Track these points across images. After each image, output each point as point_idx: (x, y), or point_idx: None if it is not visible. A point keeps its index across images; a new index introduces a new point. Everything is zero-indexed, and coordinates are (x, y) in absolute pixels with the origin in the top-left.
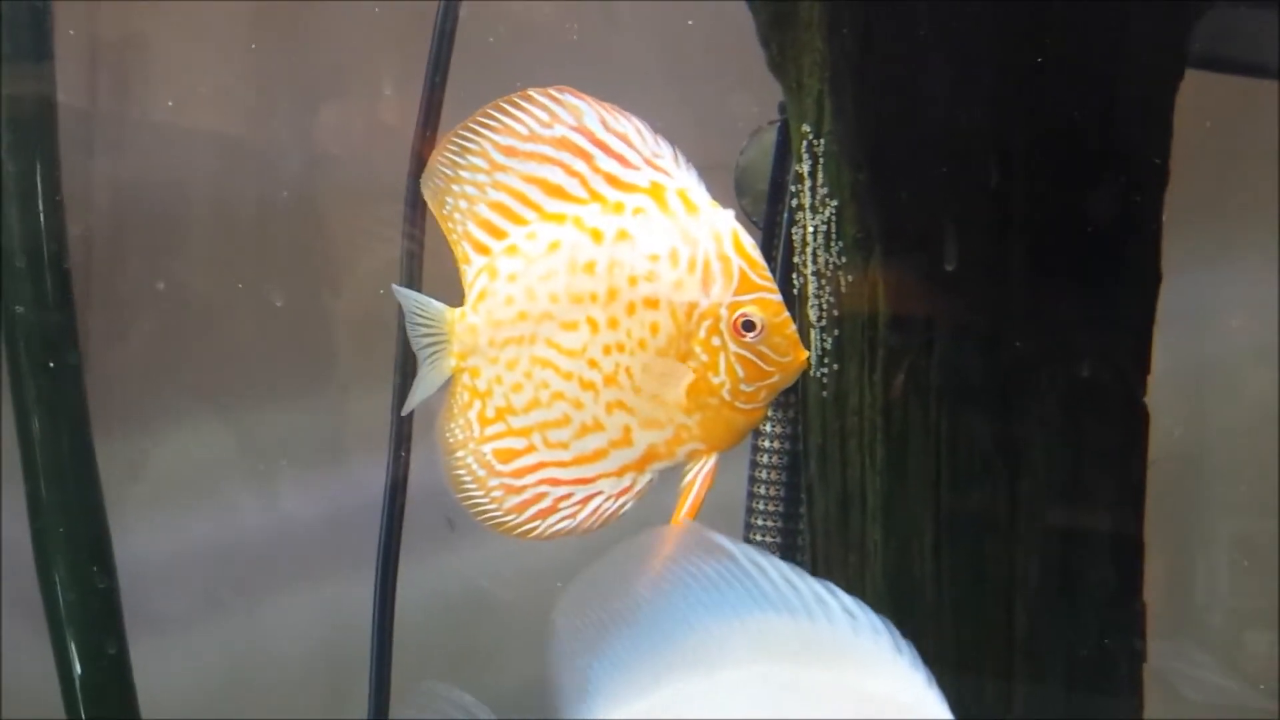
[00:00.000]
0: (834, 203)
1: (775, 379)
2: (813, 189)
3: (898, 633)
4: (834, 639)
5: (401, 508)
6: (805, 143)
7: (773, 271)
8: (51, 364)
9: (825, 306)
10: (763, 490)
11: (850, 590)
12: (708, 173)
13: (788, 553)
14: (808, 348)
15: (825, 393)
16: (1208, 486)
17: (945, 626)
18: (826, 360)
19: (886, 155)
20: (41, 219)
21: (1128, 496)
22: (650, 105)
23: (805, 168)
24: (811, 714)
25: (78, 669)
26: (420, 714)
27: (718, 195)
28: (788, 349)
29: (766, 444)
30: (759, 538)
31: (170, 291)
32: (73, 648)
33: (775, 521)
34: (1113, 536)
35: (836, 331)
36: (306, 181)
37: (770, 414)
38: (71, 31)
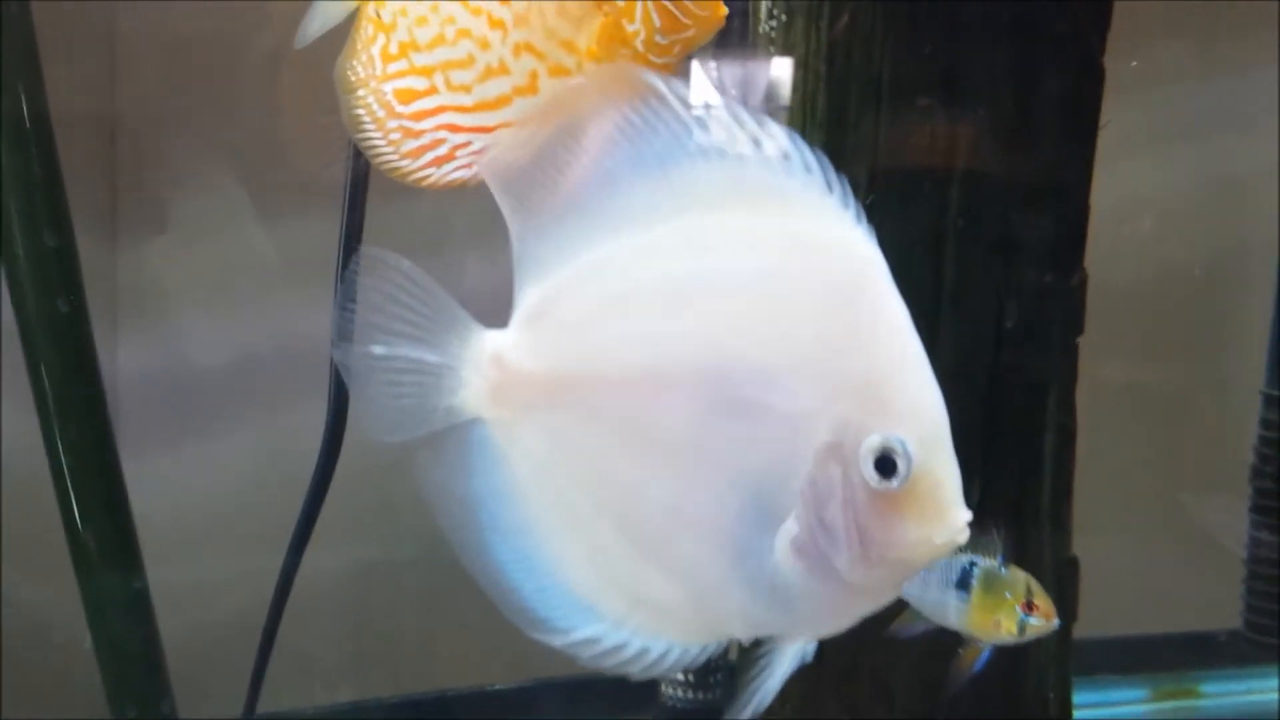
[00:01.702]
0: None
1: (691, 32)
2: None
3: (831, 169)
4: (764, 181)
5: None
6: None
7: None
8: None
9: None
10: None
11: None
12: None
13: None
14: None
15: (773, 47)
16: None
17: None
18: (776, 12)
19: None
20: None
21: (1073, 146)
22: None
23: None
24: (736, 261)
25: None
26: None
27: None
28: (707, 4)
29: None
30: None
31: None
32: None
33: None
34: (1055, 178)
35: None
36: None
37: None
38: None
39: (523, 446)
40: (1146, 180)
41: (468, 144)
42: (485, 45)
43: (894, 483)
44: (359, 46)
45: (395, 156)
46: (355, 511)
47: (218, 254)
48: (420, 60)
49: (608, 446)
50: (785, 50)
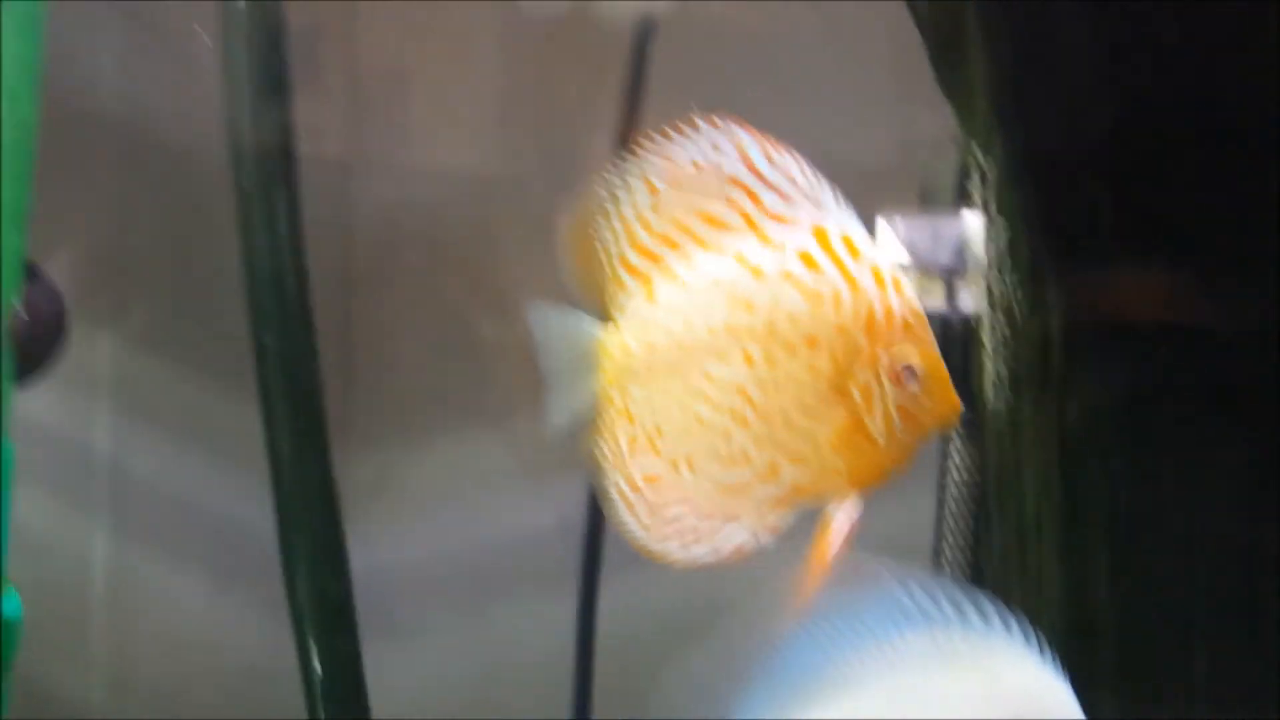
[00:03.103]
0: (1007, 228)
1: (929, 427)
2: (986, 213)
3: (1028, 627)
4: (965, 642)
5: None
6: (977, 165)
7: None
8: (295, 387)
9: (1002, 334)
10: (951, 520)
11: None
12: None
13: (976, 579)
14: (985, 375)
15: (1002, 423)
16: None
17: (1124, 663)
18: (1004, 389)
19: (1052, 177)
20: (285, 249)
21: None
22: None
23: (978, 192)
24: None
25: (316, 668)
26: None
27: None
28: (943, 398)
29: (955, 469)
30: (947, 564)
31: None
32: (312, 646)
33: (964, 549)
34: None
35: (1010, 359)
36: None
37: (959, 437)
38: (330, 60)
39: None
40: None
41: (712, 525)
42: (729, 437)
43: None
44: (604, 430)
45: (645, 537)
46: None
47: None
48: (665, 448)
49: None
50: (1013, 429)
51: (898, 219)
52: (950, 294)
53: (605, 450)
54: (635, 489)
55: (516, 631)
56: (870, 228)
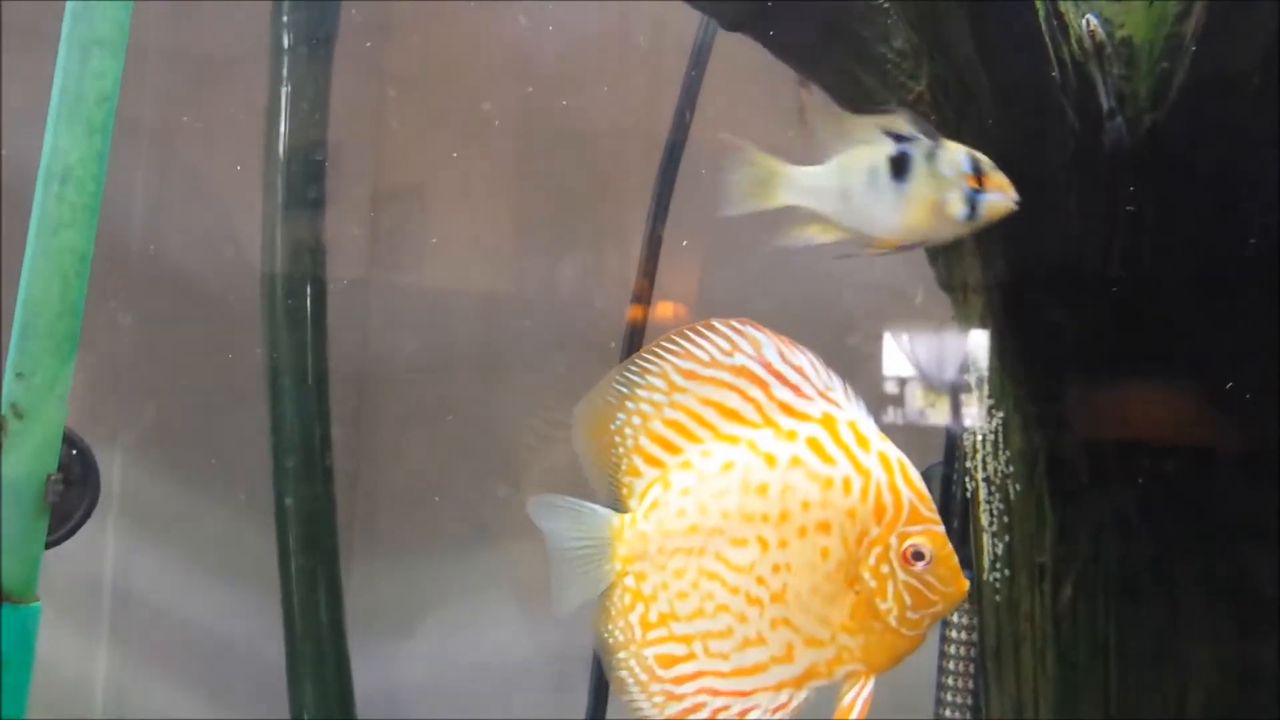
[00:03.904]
0: (1000, 413)
1: (939, 607)
2: (980, 398)
3: None
4: None
5: None
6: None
7: None
8: (312, 545)
9: (996, 513)
10: (951, 681)
11: None
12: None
13: None
14: (981, 551)
15: (998, 597)
16: None
17: None
18: (999, 566)
19: (1046, 372)
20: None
21: None
22: None
23: (973, 378)
24: None
25: None
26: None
27: None
28: (951, 579)
29: (955, 635)
30: None
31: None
32: None
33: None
34: None
35: (1007, 538)
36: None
37: (961, 608)
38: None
39: None
40: None
41: (727, 706)
42: (743, 619)
43: None
44: (616, 612)
45: (659, 717)
46: None
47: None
48: (680, 629)
49: None
50: (1009, 604)
51: (905, 335)
52: (955, 408)
53: (616, 632)
54: (648, 670)
55: None
56: (879, 345)
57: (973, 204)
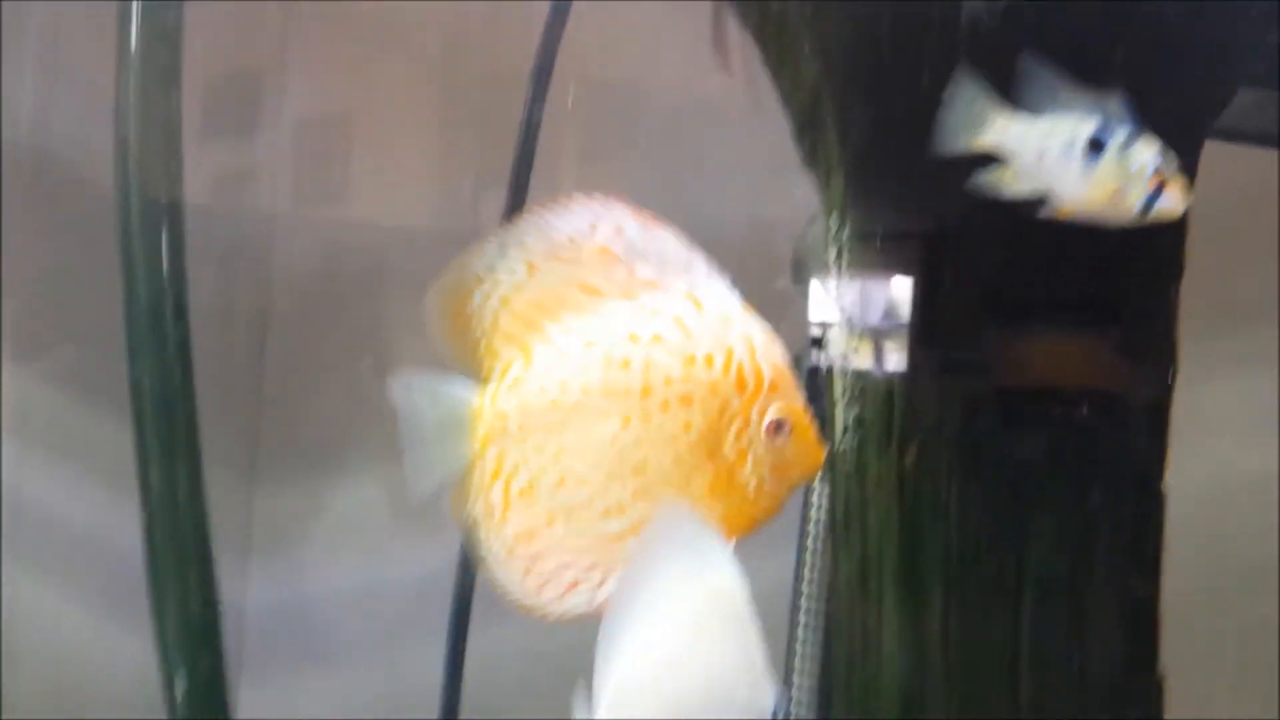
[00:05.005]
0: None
1: (796, 477)
2: (839, 276)
3: None
4: None
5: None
6: (832, 233)
7: None
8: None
9: (849, 384)
10: (810, 555)
11: (865, 649)
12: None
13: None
14: (835, 420)
15: (849, 464)
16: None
17: (954, 690)
18: (849, 435)
19: (900, 245)
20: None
21: (1143, 571)
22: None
23: (832, 256)
24: None
25: (178, 691)
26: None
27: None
28: (810, 451)
29: (813, 513)
30: (804, 596)
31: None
32: (177, 670)
33: (818, 582)
34: (1122, 610)
35: (858, 408)
36: None
37: (817, 484)
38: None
39: None
40: None
41: (588, 577)
42: (604, 492)
43: None
44: (474, 490)
45: (519, 591)
46: None
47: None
48: (539, 505)
49: None
50: (858, 470)
51: (829, 281)
52: (878, 354)
53: (477, 511)
54: (508, 547)
55: (392, 673)
56: (806, 292)
57: (1149, 203)
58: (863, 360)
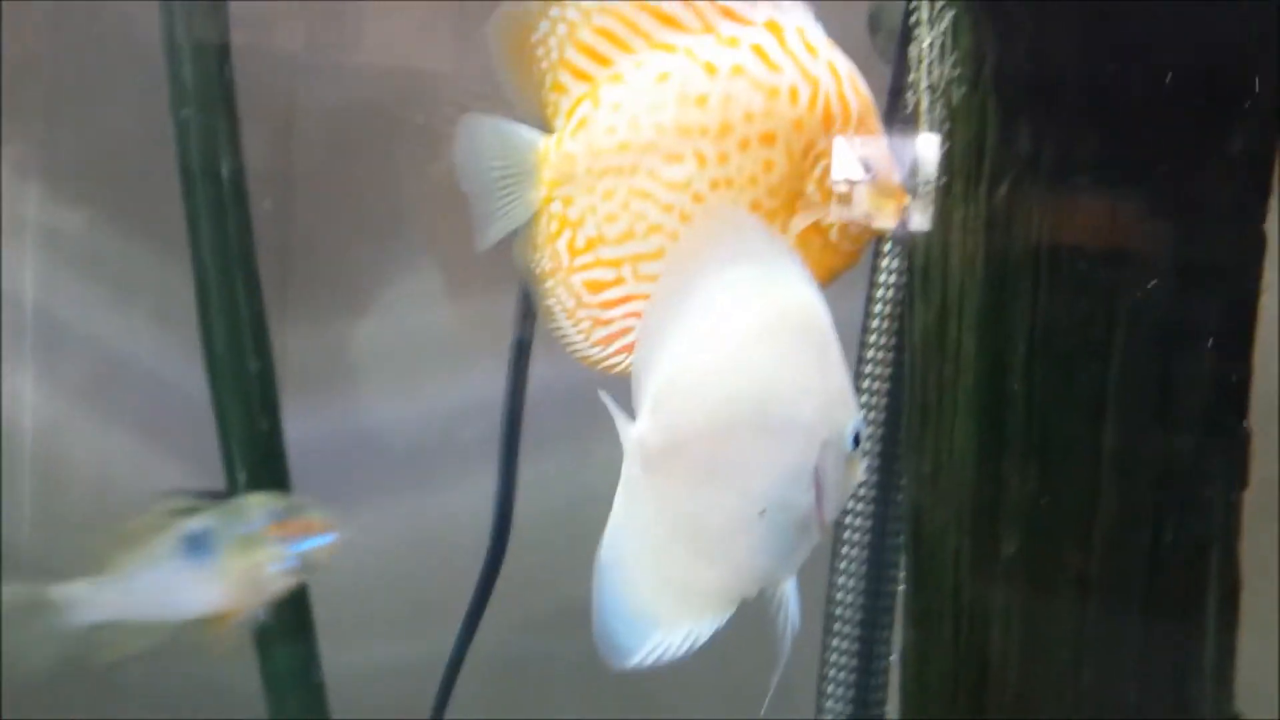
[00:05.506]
0: (950, 12)
1: (879, 223)
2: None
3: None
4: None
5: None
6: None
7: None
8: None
9: (938, 120)
10: (876, 323)
11: (940, 401)
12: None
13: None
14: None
15: (933, 208)
16: None
17: (1033, 440)
18: (936, 175)
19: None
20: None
21: (1234, 324)
22: None
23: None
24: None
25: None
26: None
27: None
28: (894, 193)
29: (883, 278)
30: (872, 346)
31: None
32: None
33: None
34: (1215, 360)
35: (948, 145)
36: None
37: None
38: None
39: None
40: None
41: None
42: (676, 238)
43: (857, 451)
44: (543, 240)
45: (586, 344)
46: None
47: (388, 326)
48: (608, 254)
49: (694, 485)
50: (944, 213)
51: (854, 138)
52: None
53: (544, 262)
54: (575, 296)
55: (444, 503)
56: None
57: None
58: (952, 94)
